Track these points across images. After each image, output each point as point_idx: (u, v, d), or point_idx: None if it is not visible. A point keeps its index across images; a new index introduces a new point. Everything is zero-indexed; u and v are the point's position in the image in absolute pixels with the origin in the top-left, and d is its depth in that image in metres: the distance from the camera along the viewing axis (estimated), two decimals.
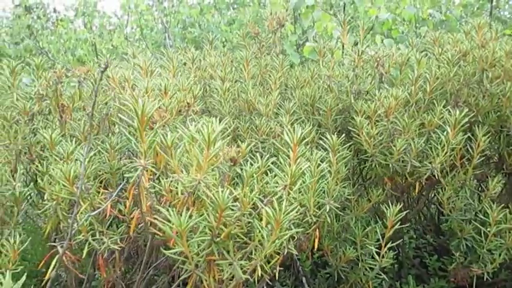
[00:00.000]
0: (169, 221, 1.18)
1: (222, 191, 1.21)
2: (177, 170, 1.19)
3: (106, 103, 2.24)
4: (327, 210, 1.64)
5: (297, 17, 3.79)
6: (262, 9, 7.99)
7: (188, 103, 1.51)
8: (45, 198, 1.75)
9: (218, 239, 1.24)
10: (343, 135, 1.82)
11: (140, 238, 1.78)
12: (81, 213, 1.50)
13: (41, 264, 1.43)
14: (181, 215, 1.18)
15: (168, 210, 1.20)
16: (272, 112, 2.17)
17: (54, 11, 7.17)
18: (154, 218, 1.22)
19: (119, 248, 1.43)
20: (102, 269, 1.47)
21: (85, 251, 1.40)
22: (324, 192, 1.68)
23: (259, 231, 1.29)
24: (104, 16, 6.88)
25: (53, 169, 1.60)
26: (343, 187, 1.87)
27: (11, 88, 2.14)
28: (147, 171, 1.19)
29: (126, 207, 1.42)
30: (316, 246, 1.65)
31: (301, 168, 1.39)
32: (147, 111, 1.14)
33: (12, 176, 1.85)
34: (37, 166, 1.97)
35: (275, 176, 1.50)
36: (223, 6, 8.49)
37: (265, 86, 2.52)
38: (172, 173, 1.23)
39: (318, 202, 1.64)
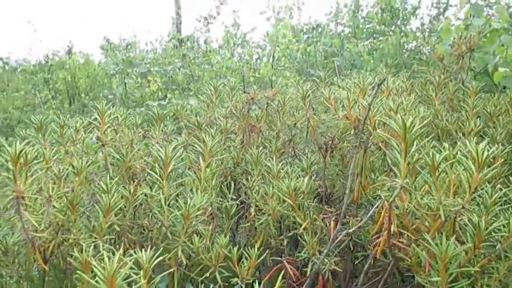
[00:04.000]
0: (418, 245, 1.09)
1: (481, 218, 1.10)
2: (440, 191, 1.11)
3: (295, 124, 2.28)
4: None
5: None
6: (404, 38, 7.78)
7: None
8: (251, 213, 1.79)
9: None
10: None
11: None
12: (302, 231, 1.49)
13: (267, 276, 1.44)
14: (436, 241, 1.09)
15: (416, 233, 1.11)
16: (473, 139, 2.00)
17: (205, 42, 7.75)
18: (400, 242, 1.15)
19: (341, 270, 1.38)
20: None
21: (309, 270, 1.37)
22: None
23: None
24: (252, 46, 7.25)
25: (268, 185, 1.64)
26: None
27: (209, 106, 2.28)
28: (404, 191, 1.14)
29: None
30: None
31: None
32: (412, 128, 1.09)
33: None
34: (234, 180, 2.04)
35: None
36: (363, 36, 8.43)
37: (450, 111, 2.37)
38: (425, 194, 1.15)
39: None
